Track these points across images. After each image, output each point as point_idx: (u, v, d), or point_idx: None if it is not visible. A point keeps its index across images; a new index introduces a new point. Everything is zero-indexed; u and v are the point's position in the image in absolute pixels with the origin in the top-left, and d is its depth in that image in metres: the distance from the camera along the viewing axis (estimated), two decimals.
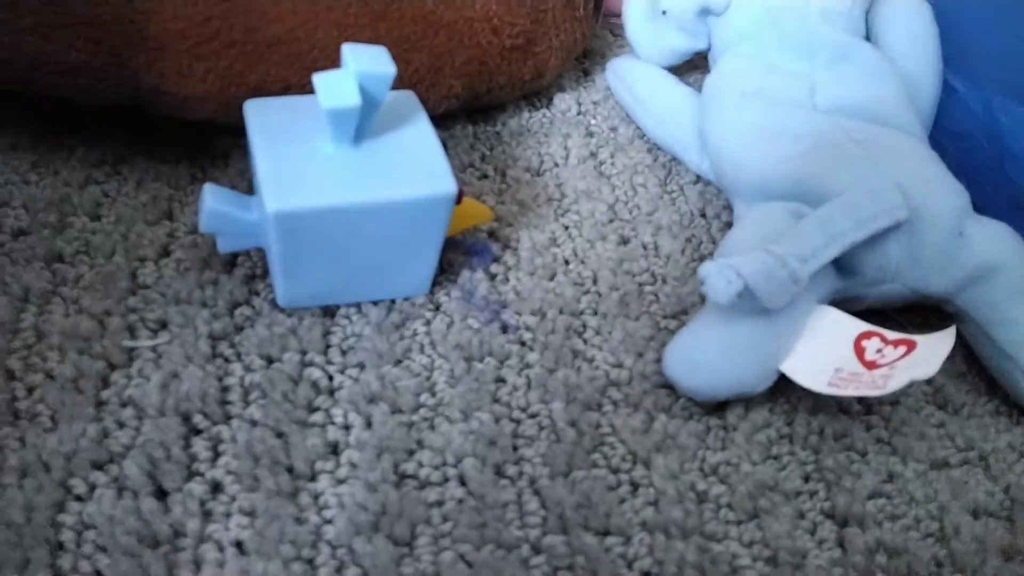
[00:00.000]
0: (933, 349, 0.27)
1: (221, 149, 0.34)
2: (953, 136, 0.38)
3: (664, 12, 0.39)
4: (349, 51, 0.25)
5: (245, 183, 0.32)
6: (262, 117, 0.27)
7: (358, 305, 0.28)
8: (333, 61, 0.30)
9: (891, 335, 0.27)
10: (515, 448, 0.25)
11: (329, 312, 0.28)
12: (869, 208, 0.27)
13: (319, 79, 0.24)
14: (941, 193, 0.30)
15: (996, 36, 0.36)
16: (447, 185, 0.26)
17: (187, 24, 0.28)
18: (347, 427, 0.25)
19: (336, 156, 0.26)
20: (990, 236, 0.30)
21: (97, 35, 0.27)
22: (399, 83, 0.32)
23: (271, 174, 0.25)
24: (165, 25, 0.27)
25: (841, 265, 0.29)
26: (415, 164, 0.26)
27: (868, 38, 0.38)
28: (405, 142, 0.27)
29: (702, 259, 0.33)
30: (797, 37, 0.35)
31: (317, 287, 0.27)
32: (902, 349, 0.27)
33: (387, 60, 0.25)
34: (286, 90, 0.29)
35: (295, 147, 0.26)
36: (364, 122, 0.26)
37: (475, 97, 0.35)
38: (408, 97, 0.28)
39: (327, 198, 0.25)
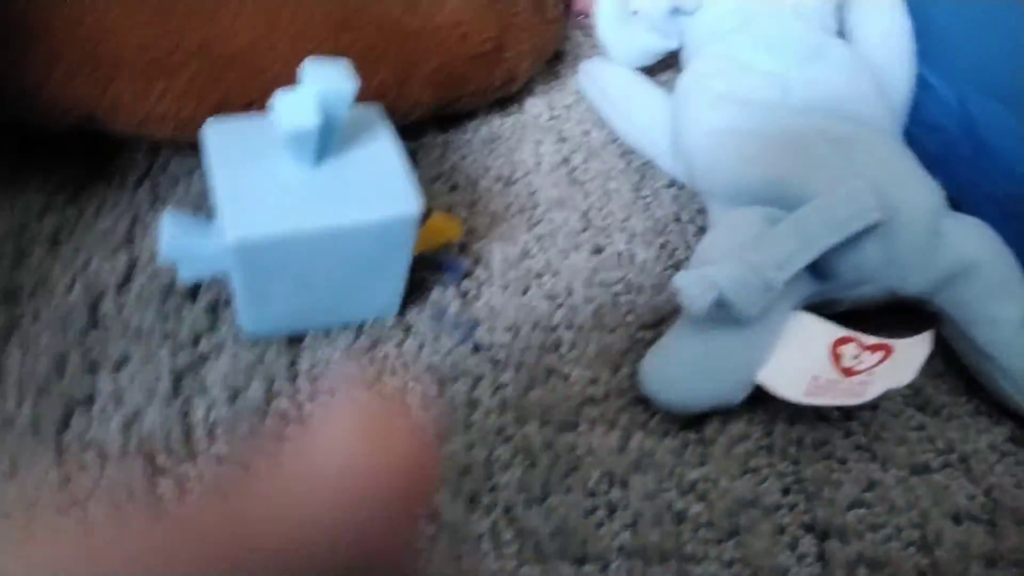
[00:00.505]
0: (910, 353, 0.27)
1: (184, 169, 0.33)
2: (929, 130, 0.38)
3: (635, 12, 0.38)
4: (308, 67, 0.24)
5: (208, 206, 0.32)
6: (221, 139, 0.26)
7: (327, 330, 0.28)
8: (294, 75, 0.29)
9: (868, 340, 0.27)
10: (489, 475, 0.25)
11: (296, 338, 0.27)
12: (843, 211, 0.27)
13: (277, 99, 0.23)
14: (916, 192, 0.29)
15: (968, 32, 0.35)
16: (411, 205, 0.25)
17: (141, 42, 0.27)
18: None
19: (297, 178, 0.25)
20: (967, 234, 0.29)
21: (49, 57, 0.27)
22: (364, 95, 0.31)
23: (229, 200, 0.24)
24: (119, 44, 0.27)
25: (817, 269, 0.28)
26: (378, 184, 0.26)
27: (841, 33, 0.38)
28: (369, 160, 0.26)
29: (677, 266, 0.33)
30: (769, 36, 0.35)
31: (283, 314, 0.26)
32: (879, 354, 0.26)
33: (347, 76, 0.24)
34: (248, 106, 0.29)
35: (254, 170, 0.25)
36: (325, 141, 0.25)
37: (444, 105, 0.34)
38: (373, 111, 0.28)
39: (287, 223, 0.24)
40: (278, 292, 0.25)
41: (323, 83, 0.24)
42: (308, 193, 0.25)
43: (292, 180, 0.25)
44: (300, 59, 0.29)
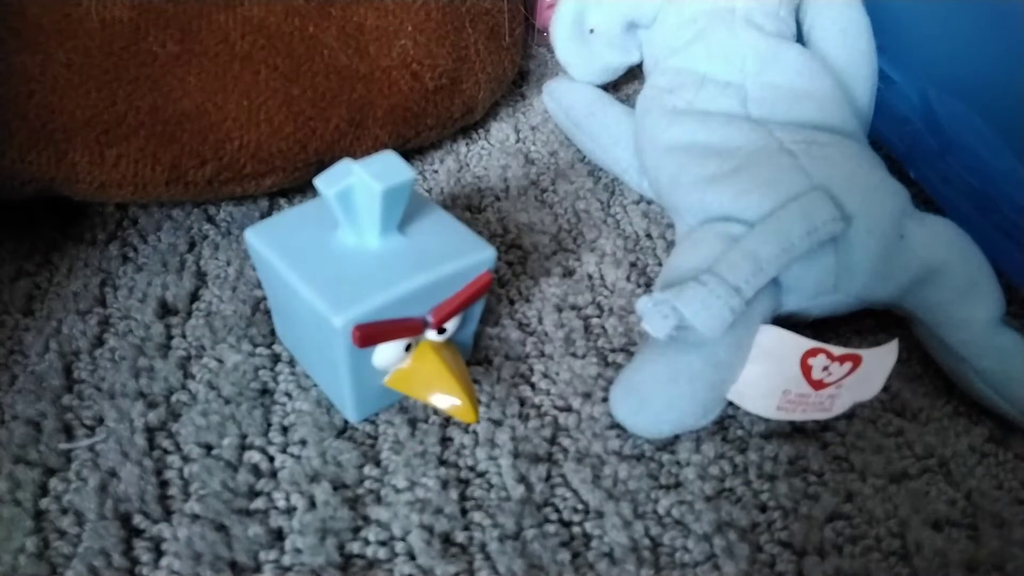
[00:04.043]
0: (877, 364, 0.26)
1: (152, 225, 0.33)
2: (896, 124, 0.38)
3: (592, 31, 0.38)
4: (363, 168, 0.23)
5: (177, 258, 0.32)
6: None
7: (298, 382, 0.28)
8: (246, 131, 0.30)
9: (836, 351, 0.27)
10: (464, 512, 0.25)
11: (268, 391, 0.28)
12: (800, 227, 0.27)
13: (365, 164, 0.23)
14: (877, 197, 0.29)
15: (926, 30, 0.35)
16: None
17: (92, 112, 0.27)
18: (290, 511, 0.24)
19: (368, 252, 0.25)
20: (932, 235, 0.29)
21: (2, 135, 0.27)
22: (321, 140, 0.32)
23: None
24: (69, 116, 0.27)
25: (781, 282, 0.28)
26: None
27: (801, 35, 0.38)
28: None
29: (648, 284, 0.33)
30: (725, 46, 0.35)
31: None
32: (848, 365, 0.26)
33: (405, 167, 0.24)
34: (202, 165, 0.29)
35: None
36: (389, 220, 0.25)
37: (404, 142, 0.34)
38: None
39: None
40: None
41: (388, 179, 0.23)
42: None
43: (365, 254, 0.24)
44: (251, 114, 0.29)
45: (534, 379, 0.29)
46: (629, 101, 0.42)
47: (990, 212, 0.32)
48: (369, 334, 0.23)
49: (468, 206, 0.36)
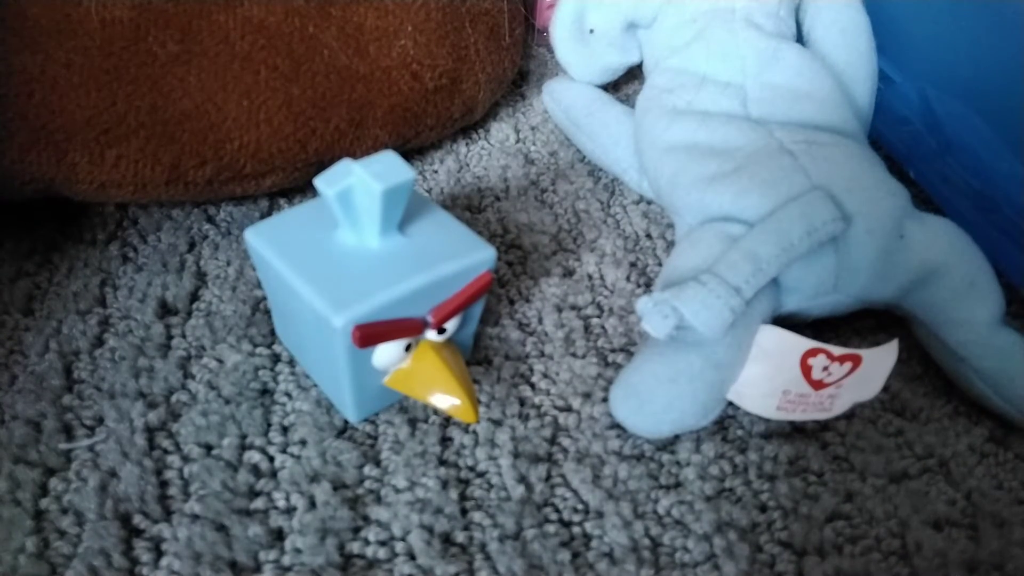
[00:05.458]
0: (877, 364, 0.26)
1: (152, 225, 0.33)
2: (896, 124, 0.38)
3: (592, 31, 0.38)
4: (363, 168, 0.23)
5: (177, 258, 0.32)
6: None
7: (298, 382, 0.28)
8: (246, 131, 0.30)
9: (837, 351, 0.27)
10: (464, 512, 0.25)
11: (268, 391, 0.28)
12: (800, 227, 0.27)
13: (364, 164, 0.23)
14: (878, 197, 0.29)
15: (926, 32, 0.35)
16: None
17: (92, 112, 0.27)
18: (290, 511, 0.24)
19: (369, 252, 0.24)
20: (932, 236, 0.29)
21: (1, 135, 0.27)
22: (321, 140, 0.32)
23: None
24: (69, 116, 0.27)
25: (781, 282, 0.28)
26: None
27: (801, 35, 0.38)
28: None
29: (648, 284, 0.33)
30: (724, 46, 0.35)
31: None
32: (848, 365, 0.26)
33: (405, 167, 0.24)
34: (202, 165, 0.29)
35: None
36: (389, 220, 0.25)
37: (404, 142, 0.34)
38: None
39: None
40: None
41: (388, 179, 0.23)
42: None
43: (365, 254, 0.24)
44: (251, 114, 0.29)
45: (534, 379, 0.29)
46: (629, 101, 0.42)
47: (990, 212, 0.32)
48: (369, 334, 0.23)
49: (468, 206, 0.36)
